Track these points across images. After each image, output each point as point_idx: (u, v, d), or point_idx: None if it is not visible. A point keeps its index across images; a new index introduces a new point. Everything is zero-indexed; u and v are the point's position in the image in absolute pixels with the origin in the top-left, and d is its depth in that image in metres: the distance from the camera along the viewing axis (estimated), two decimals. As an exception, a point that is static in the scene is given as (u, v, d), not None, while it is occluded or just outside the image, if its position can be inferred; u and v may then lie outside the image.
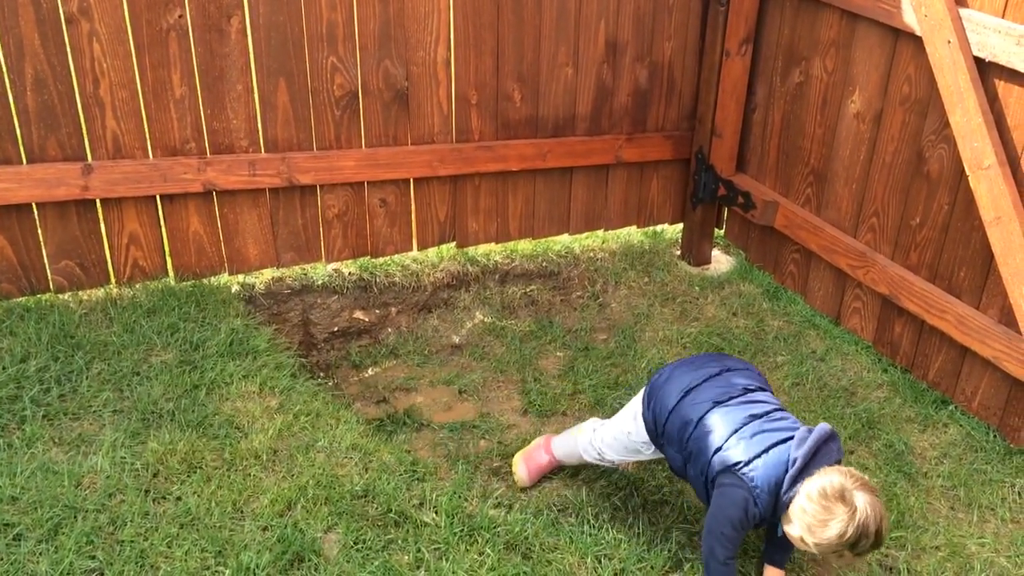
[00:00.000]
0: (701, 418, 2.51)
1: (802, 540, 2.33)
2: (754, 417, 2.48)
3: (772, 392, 2.67)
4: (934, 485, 3.09)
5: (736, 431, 2.45)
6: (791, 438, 2.41)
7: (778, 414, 2.52)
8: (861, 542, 2.25)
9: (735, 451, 2.43)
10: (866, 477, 2.33)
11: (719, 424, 2.49)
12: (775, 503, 2.38)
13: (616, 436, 2.79)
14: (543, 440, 3.04)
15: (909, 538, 2.87)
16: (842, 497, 2.25)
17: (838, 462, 2.41)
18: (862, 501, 2.24)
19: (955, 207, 3.25)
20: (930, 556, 2.82)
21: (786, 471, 2.35)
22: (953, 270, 3.31)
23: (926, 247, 3.40)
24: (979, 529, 2.93)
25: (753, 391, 2.58)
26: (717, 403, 2.52)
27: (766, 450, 2.40)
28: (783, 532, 2.40)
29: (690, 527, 2.86)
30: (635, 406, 2.75)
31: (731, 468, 2.42)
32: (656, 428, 2.63)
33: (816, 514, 2.27)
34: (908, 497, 3.02)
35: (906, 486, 3.08)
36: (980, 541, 2.88)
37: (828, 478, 2.29)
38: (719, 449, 2.46)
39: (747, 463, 2.40)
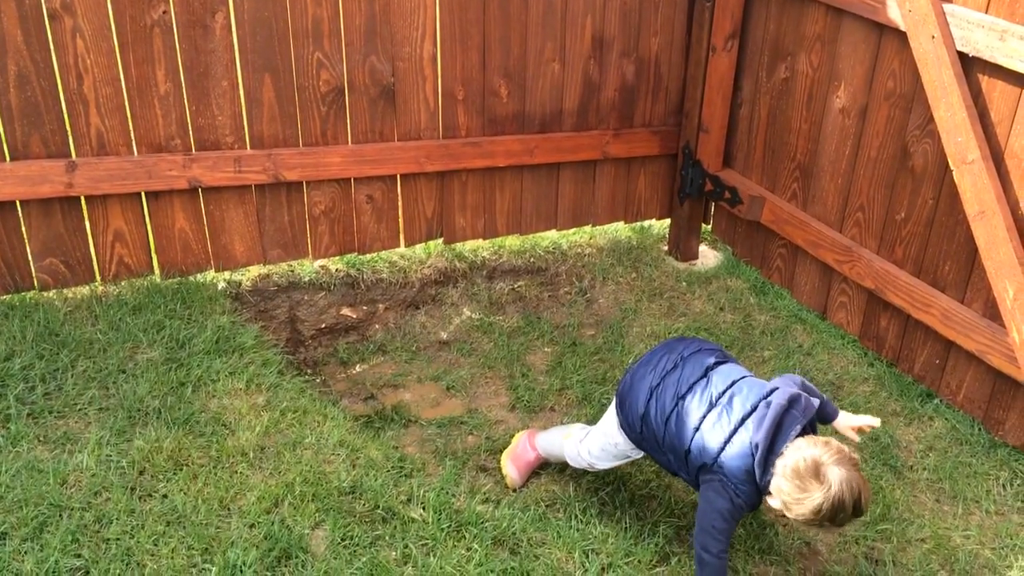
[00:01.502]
0: (667, 419, 2.52)
1: (783, 513, 2.34)
2: (712, 405, 2.46)
3: (735, 360, 2.65)
4: (919, 478, 3.11)
5: (699, 427, 2.45)
6: (750, 415, 2.39)
7: (737, 387, 2.48)
8: (839, 516, 2.24)
9: (703, 448, 2.43)
10: (844, 448, 2.28)
11: (684, 422, 2.48)
12: (756, 488, 2.38)
13: (603, 447, 2.76)
14: (525, 436, 3.03)
15: (895, 531, 2.88)
16: (816, 474, 2.22)
17: (810, 423, 2.38)
18: (836, 476, 2.21)
19: (939, 202, 3.26)
20: (915, 548, 2.84)
21: (753, 457, 2.34)
22: (938, 264, 3.33)
23: (911, 241, 3.41)
24: (964, 521, 2.95)
25: (713, 367, 2.56)
26: (680, 397, 2.52)
27: (728, 439, 2.39)
28: (767, 505, 2.40)
29: (677, 521, 2.87)
30: (612, 416, 2.73)
31: (706, 465, 2.43)
32: (635, 435, 2.64)
33: (791, 492, 2.26)
34: (894, 490, 3.04)
35: (892, 479, 3.10)
36: (965, 533, 2.90)
37: (801, 453, 2.26)
38: (688, 450, 2.47)
39: (715, 458, 2.40)
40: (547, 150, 3.92)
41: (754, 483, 2.37)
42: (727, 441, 2.39)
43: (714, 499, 2.42)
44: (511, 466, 2.98)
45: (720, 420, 2.43)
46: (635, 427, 2.61)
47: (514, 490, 2.96)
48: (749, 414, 2.40)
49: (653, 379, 2.59)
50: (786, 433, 2.32)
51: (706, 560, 2.44)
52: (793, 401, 2.37)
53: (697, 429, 2.45)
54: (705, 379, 2.53)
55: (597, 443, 2.77)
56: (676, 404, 2.51)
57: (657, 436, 2.55)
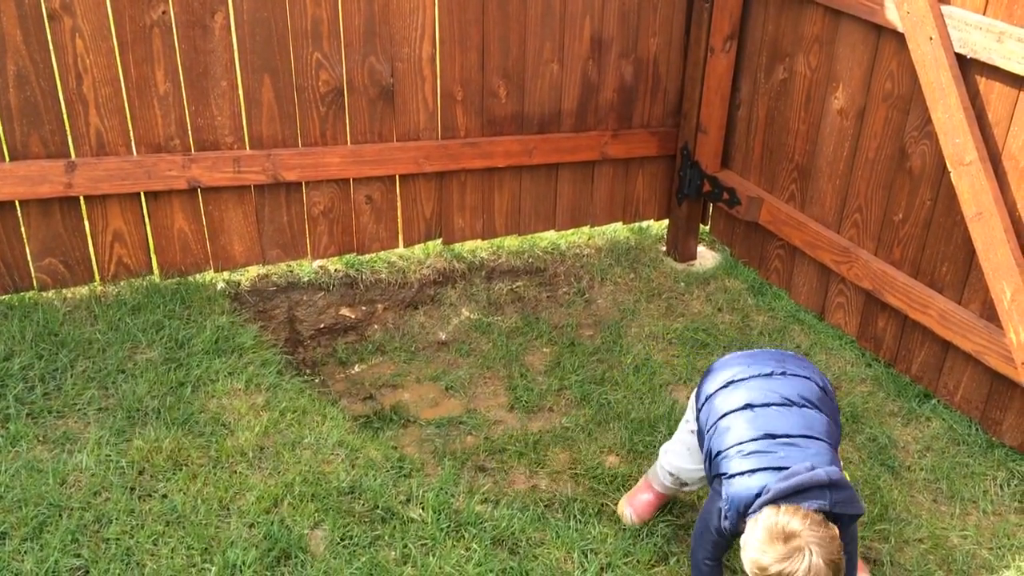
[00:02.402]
0: (725, 415, 2.41)
1: (740, 549, 2.23)
2: (770, 436, 2.31)
3: (825, 412, 2.42)
4: (917, 478, 3.12)
5: (742, 443, 2.32)
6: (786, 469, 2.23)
7: (803, 442, 2.30)
8: None
9: (731, 462, 2.31)
10: (837, 546, 2.11)
11: (735, 429, 2.36)
12: (740, 521, 2.27)
13: (683, 439, 2.63)
14: (642, 481, 2.90)
15: (892, 531, 2.89)
16: (785, 540, 2.09)
17: (833, 518, 2.18)
18: (804, 560, 2.05)
19: (937, 203, 3.27)
20: (913, 548, 2.85)
21: (758, 497, 2.21)
22: (935, 265, 3.33)
23: (909, 243, 3.42)
24: (961, 521, 2.96)
25: (795, 405, 2.38)
26: (750, 405, 2.38)
27: (752, 471, 2.26)
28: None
29: (675, 520, 2.88)
30: (692, 400, 2.64)
31: (720, 475, 2.34)
32: (698, 405, 2.54)
33: (755, 537, 2.14)
34: (891, 490, 3.05)
35: (889, 479, 3.10)
36: (962, 533, 2.91)
37: (788, 518, 2.12)
38: (720, 453, 2.36)
39: (730, 477, 2.29)
40: (546, 151, 3.93)
41: (741, 517, 2.26)
42: (751, 472, 2.26)
43: (709, 511, 2.39)
44: (626, 507, 2.85)
45: (761, 456, 2.28)
46: (699, 402, 2.52)
47: (634, 527, 2.83)
48: (786, 468, 2.24)
49: (741, 373, 2.47)
50: (802, 500, 2.16)
51: (694, 562, 2.45)
52: (833, 485, 2.19)
53: (740, 444, 2.32)
54: (785, 409, 2.37)
55: (677, 440, 2.69)
56: (741, 409, 2.39)
57: (709, 422, 2.45)
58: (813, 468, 2.21)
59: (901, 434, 3.31)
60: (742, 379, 2.46)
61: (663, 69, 4.05)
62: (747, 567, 2.16)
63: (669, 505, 2.92)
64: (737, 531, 2.29)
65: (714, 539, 2.39)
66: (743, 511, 2.24)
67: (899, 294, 3.44)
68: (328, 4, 3.33)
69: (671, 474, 2.75)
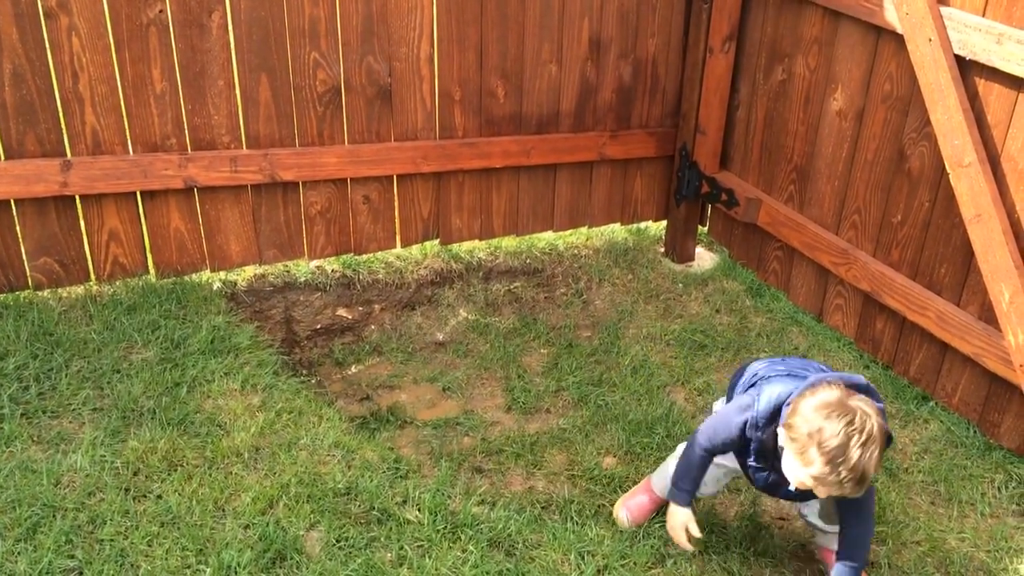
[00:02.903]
0: (762, 378, 2.50)
1: (783, 446, 2.27)
2: (792, 376, 2.43)
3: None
4: (915, 480, 3.11)
5: (779, 371, 2.47)
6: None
7: (828, 374, 2.38)
8: (836, 460, 2.12)
9: (766, 377, 2.45)
10: (882, 418, 2.17)
11: (769, 370, 2.50)
12: (770, 421, 2.34)
13: (706, 425, 2.62)
14: (642, 483, 2.91)
15: (890, 533, 2.88)
16: (842, 412, 2.13)
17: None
18: (872, 421, 2.11)
19: (936, 204, 3.27)
20: (910, 551, 2.84)
21: (791, 394, 2.29)
22: (934, 267, 3.33)
23: (907, 244, 3.41)
24: (959, 524, 2.95)
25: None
26: (786, 372, 2.50)
27: (788, 374, 2.39)
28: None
29: (673, 523, 2.87)
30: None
31: (753, 383, 2.45)
32: (731, 381, 2.66)
33: (803, 417, 2.18)
34: (889, 492, 3.04)
35: (887, 481, 3.10)
36: (960, 536, 2.90)
37: (835, 390, 2.18)
38: (755, 377, 2.50)
39: (768, 379, 2.42)
40: (544, 151, 3.92)
41: (774, 416, 2.32)
42: (787, 375, 2.40)
43: (730, 411, 2.45)
44: (622, 510, 2.84)
45: (789, 379, 2.40)
46: (733, 383, 2.63)
47: (630, 530, 2.81)
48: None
49: (769, 371, 2.53)
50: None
51: (687, 448, 2.55)
52: (870, 391, 2.27)
53: (766, 378, 2.46)
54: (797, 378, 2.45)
55: (708, 422, 2.67)
56: (772, 376, 2.48)
57: (742, 386, 2.57)
58: (849, 378, 2.28)
59: (899, 436, 3.30)
60: (767, 376, 2.53)
61: (662, 70, 4.05)
62: (798, 447, 2.18)
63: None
64: (760, 423, 2.35)
65: (728, 435, 2.43)
66: (782, 401, 2.30)
67: (897, 296, 3.44)
68: (326, 3, 3.32)
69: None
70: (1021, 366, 2.98)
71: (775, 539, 2.87)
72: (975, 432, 3.28)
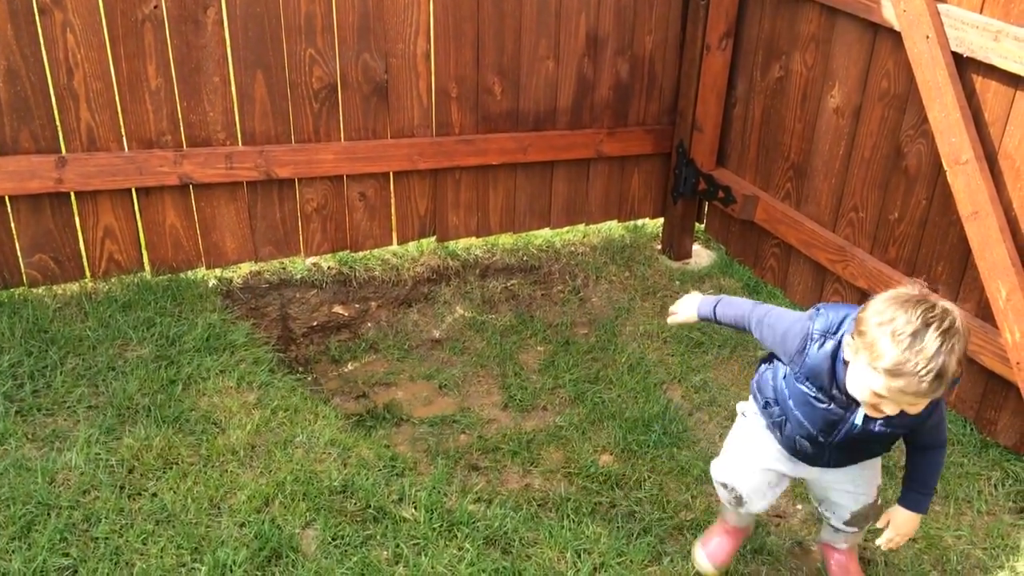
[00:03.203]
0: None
1: (847, 360, 2.01)
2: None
3: None
4: (911, 478, 3.11)
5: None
6: None
7: None
8: (917, 354, 1.81)
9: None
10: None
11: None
12: (827, 336, 2.07)
13: (736, 432, 2.46)
14: (717, 521, 2.71)
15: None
16: (919, 299, 1.87)
17: None
18: (953, 313, 1.85)
19: (933, 202, 3.26)
20: (907, 548, 2.84)
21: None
22: (931, 265, 3.33)
23: (904, 242, 3.41)
24: (956, 521, 2.95)
25: None
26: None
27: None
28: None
29: (670, 520, 2.87)
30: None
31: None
32: (759, 367, 2.41)
33: (874, 310, 1.89)
34: (886, 490, 3.03)
35: (884, 479, 3.09)
36: (956, 533, 2.90)
37: (911, 290, 1.91)
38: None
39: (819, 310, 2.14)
40: (541, 148, 3.91)
41: (833, 330, 2.05)
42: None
43: (795, 317, 2.19)
44: (699, 550, 2.65)
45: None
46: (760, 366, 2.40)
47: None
48: None
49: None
50: None
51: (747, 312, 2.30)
52: None
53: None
54: None
55: (728, 442, 2.53)
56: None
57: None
58: None
59: (896, 434, 3.30)
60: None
61: (659, 67, 4.04)
62: (873, 353, 1.88)
63: (661, 503, 2.91)
64: (819, 343, 2.07)
65: (786, 329, 2.15)
66: (847, 315, 2.05)
67: (894, 293, 3.43)
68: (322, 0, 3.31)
69: (724, 486, 2.49)
70: (1018, 363, 2.98)
71: (771, 536, 2.87)
72: (971, 429, 3.28)
